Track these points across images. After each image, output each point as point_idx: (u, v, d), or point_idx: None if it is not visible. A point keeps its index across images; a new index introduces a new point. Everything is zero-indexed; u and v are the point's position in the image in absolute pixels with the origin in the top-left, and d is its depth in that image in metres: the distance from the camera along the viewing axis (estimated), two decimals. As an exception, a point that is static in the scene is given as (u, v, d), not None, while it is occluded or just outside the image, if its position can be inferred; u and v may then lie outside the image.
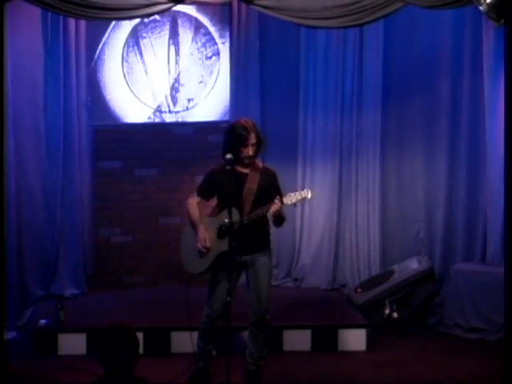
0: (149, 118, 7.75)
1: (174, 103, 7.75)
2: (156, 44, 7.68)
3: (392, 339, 6.64)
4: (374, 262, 7.64)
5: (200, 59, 7.75)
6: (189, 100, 7.76)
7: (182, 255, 5.50)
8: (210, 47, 7.74)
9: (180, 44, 7.70)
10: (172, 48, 7.70)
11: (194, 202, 5.46)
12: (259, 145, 5.31)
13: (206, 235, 5.30)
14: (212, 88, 7.78)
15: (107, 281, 7.64)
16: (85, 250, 7.48)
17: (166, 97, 7.73)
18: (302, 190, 5.28)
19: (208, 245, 5.27)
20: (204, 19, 7.72)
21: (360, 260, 7.69)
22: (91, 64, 7.53)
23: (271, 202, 5.15)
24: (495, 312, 6.50)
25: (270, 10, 6.09)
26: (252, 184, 5.30)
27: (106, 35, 7.61)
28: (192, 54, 7.73)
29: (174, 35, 7.69)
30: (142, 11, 6.04)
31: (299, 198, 5.20)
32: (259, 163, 5.44)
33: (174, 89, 7.73)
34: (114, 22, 7.50)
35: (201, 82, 7.76)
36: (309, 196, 5.21)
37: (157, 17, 7.45)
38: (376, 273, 7.52)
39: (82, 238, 7.43)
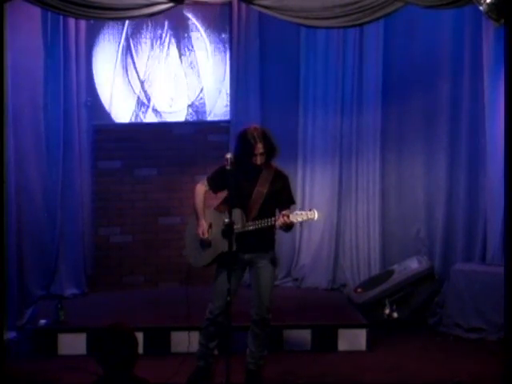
0: (149, 117, 7.74)
1: (174, 103, 7.75)
2: (155, 44, 7.68)
3: (392, 339, 6.63)
4: (374, 262, 7.64)
5: (200, 59, 7.74)
6: (188, 100, 7.75)
7: (186, 247, 5.54)
8: (210, 47, 7.73)
9: (179, 44, 7.70)
10: (171, 48, 7.69)
11: (201, 191, 5.44)
12: (269, 152, 5.29)
13: (206, 226, 5.31)
14: (212, 88, 7.77)
15: (107, 281, 7.63)
16: (85, 250, 7.47)
17: (165, 96, 7.73)
18: (310, 210, 5.28)
19: (206, 236, 5.29)
20: (204, 19, 7.71)
21: (360, 260, 7.69)
22: (91, 63, 7.53)
23: (281, 205, 5.26)
24: (495, 312, 6.50)
25: (270, 10, 6.08)
26: (262, 188, 5.31)
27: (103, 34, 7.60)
28: (192, 54, 7.73)
29: (173, 35, 7.68)
30: (141, 11, 6.03)
31: (305, 218, 5.23)
32: (273, 165, 5.43)
33: (174, 89, 7.72)
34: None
35: (200, 82, 7.76)
36: (315, 218, 5.23)
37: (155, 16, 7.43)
38: (376, 273, 7.52)
39: (82, 238, 7.42)
